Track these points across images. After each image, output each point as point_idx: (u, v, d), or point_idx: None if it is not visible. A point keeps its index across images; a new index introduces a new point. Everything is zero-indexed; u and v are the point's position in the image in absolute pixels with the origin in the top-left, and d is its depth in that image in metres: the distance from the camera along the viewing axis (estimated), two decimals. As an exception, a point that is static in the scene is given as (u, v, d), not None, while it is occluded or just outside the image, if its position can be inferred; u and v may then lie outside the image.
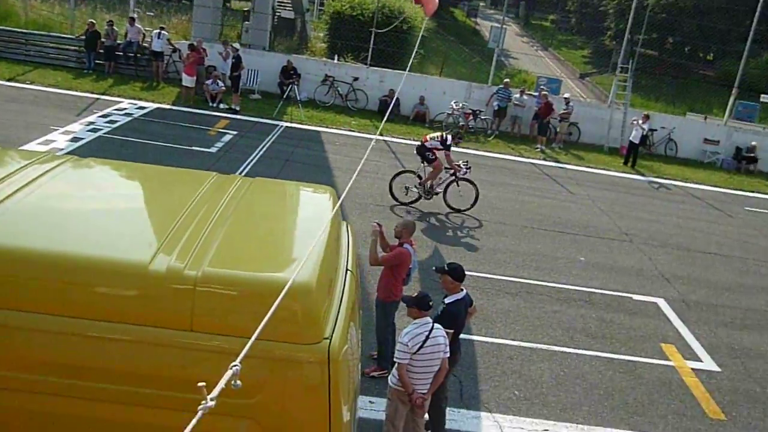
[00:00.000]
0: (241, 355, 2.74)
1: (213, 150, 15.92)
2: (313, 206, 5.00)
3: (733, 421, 8.45)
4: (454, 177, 14.04)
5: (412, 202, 14.01)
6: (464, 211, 14.18)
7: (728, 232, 16.25)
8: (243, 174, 13.04)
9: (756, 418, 8.60)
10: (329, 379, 3.71)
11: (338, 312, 4.05)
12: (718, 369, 9.60)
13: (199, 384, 2.51)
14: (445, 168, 13.82)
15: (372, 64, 23.01)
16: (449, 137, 13.67)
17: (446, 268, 6.84)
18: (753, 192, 20.31)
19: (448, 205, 14.18)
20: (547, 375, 8.75)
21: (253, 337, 2.97)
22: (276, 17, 27.65)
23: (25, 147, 13.96)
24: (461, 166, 13.87)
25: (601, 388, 8.68)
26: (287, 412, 3.78)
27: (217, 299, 3.69)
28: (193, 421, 2.36)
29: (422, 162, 13.80)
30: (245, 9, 31.16)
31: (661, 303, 11.44)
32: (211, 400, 2.42)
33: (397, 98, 21.77)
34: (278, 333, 3.68)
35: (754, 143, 23.24)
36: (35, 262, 3.74)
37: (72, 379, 3.73)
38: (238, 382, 2.61)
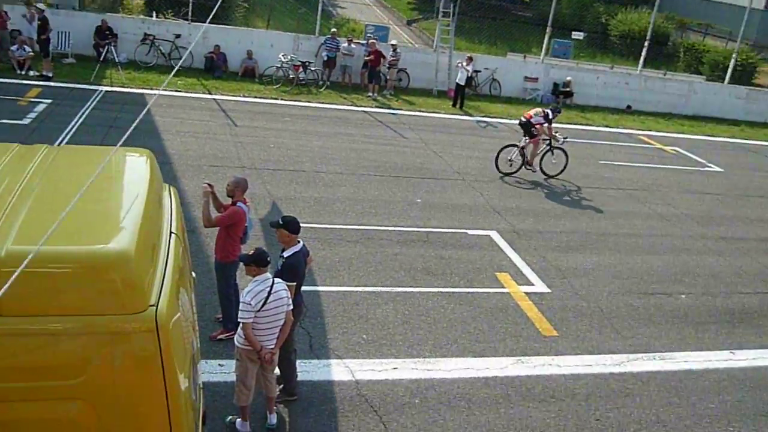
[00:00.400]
0: (8, 283, 2.57)
1: (26, 122, 14.67)
2: (129, 171, 4.75)
3: (564, 336, 9.17)
4: (549, 146, 15.80)
5: (514, 172, 15.57)
6: (556, 176, 15.91)
7: (550, 163, 17.40)
8: (63, 145, 12.15)
9: (584, 330, 9.39)
10: (160, 347, 3.58)
11: (164, 278, 3.90)
12: (548, 290, 10.35)
13: None
14: (542, 139, 15.61)
15: (194, 19, 22.02)
16: (550, 112, 15.37)
17: (281, 222, 6.80)
18: (570, 124, 21.71)
19: (543, 172, 15.93)
20: (392, 316, 9.03)
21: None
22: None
23: None
24: (558, 137, 15.60)
25: (443, 321, 9.09)
26: (119, 387, 3.62)
27: (27, 279, 3.42)
28: None
29: (524, 135, 15.50)
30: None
31: (494, 235, 12.09)
32: None
33: (224, 54, 21.10)
34: (101, 306, 3.52)
35: (569, 78, 24.76)
36: None
37: None
38: None
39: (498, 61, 25.27)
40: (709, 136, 23.48)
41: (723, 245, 13.24)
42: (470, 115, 21.36)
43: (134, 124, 3.75)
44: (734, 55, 27.23)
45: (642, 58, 26.10)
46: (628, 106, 25.24)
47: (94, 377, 3.58)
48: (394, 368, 8.00)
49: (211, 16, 4.13)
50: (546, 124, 15.35)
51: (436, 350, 8.45)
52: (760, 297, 11.19)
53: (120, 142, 3.70)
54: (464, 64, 21.41)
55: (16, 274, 2.61)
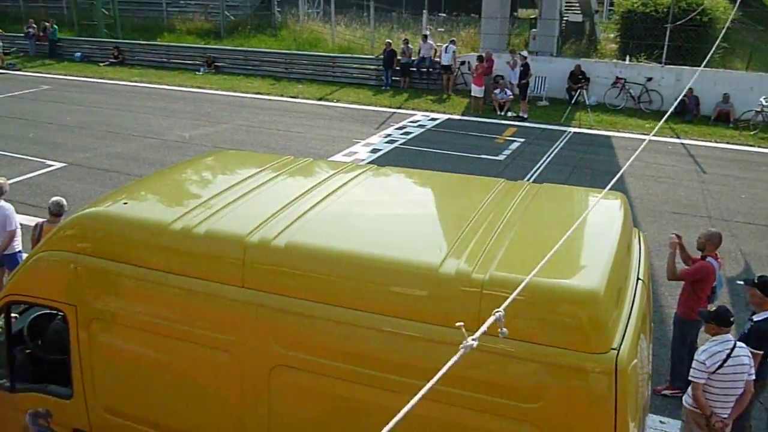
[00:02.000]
0: (506, 303, 2.76)
1: (501, 158, 16.18)
2: (603, 213, 4.85)
3: None
4: None
5: None
6: None
7: None
8: (530, 181, 13.07)
9: None
10: (616, 391, 3.57)
11: (627, 322, 3.89)
12: None
13: (457, 324, 2.59)
14: None
15: (667, 62, 21.58)
16: None
17: (756, 280, 6.19)
18: None
19: None
20: None
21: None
22: (563, 22, 27.26)
23: (332, 158, 15.48)
24: None
25: None
26: (569, 421, 3.71)
27: (502, 302, 3.75)
28: (454, 358, 2.43)
29: None
30: (532, 17, 31.20)
31: None
32: (473, 340, 2.47)
33: (696, 97, 20.14)
34: (563, 340, 3.65)
35: None
36: (336, 259, 4.16)
37: (357, 366, 4.06)
38: (504, 329, 2.62)
39: None
40: None
41: None
42: None
43: (622, 170, 3.87)
44: None
45: None
46: None
47: (547, 406, 3.72)
48: None
49: (706, 60, 4.00)
50: None
51: None
52: None
53: (609, 186, 3.83)
54: None
55: (509, 300, 2.87)
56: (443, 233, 4.48)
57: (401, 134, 18.38)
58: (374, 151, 16.85)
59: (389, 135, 18.31)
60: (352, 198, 5.07)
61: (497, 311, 2.63)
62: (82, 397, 5.10)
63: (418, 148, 17.00)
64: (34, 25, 32.19)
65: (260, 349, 4.30)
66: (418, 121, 19.92)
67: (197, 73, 27.55)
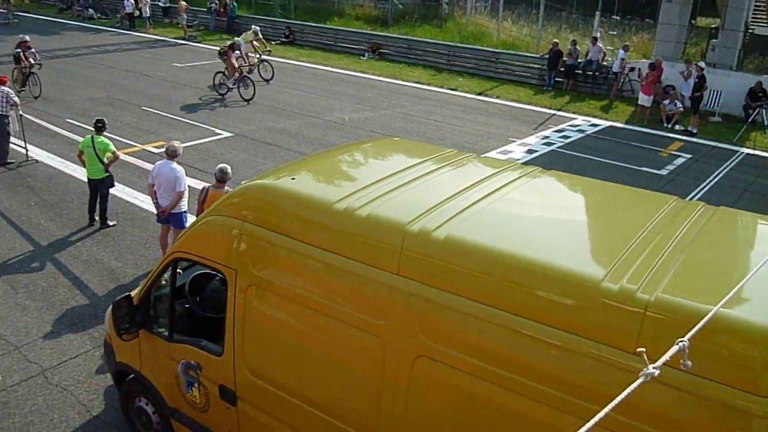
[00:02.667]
0: (690, 333, 2.59)
1: (663, 172, 15.37)
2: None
3: None
4: None
5: None
6: None
7: None
8: (694, 200, 12.31)
9: None
10: (781, 438, 3.28)
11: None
12: None
13: (639, 349, 2.46)
14: None
15: None
16: None
17: None
18: None
19: None
20: None
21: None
22: (748, 34, 25.37)
23: (487, 155, 15.35)
24: None
25: None
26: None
27: (667, 327, 3.54)
28: (634, 385, 2.31)
29: None
30: (713, 26, 29.31)
31: None
32: (654, 368, 2.33)
33: None
34: (726, 375, 3.40)
35: None
36: (494, 259, 4.08)
37: (499, 369, 3.98)
38: (688, 362, 2.46)
39: None
40: None
41: None
42: None
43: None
44: None
45: None
46: None
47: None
48: None
49: None
50: None
51: None
52: None
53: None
54: None
55: (694, 330, 2.70)
56: (608, 246, 4.28)
57: (559, 137, 17.90)
58: (530, 151, 16.54)
59: (547, 137, 17.89)
60: (515, 198, 4.97)
61: (681, 341, 2.47)
62: (231, 355, 5.36)
63: (576, 153, 16.48)
64: (216, 1, 34.20)
65: (407, 337, 4.32)
66: (579, 125, 19.31)
67: (362, 58, 28.23)
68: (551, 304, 3.85)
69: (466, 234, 4.29)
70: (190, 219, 9.92)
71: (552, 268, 3.92)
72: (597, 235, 4.69)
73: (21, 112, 14.33)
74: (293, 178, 5.25)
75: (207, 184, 9.40)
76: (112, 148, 10.98)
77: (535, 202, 5.07)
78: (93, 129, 11.12)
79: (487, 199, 4.83)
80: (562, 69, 23.26)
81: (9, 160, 14.11)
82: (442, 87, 23.66)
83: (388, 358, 4.42)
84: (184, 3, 32.96)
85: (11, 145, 14.37)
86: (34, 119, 17.00)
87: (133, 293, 6.28)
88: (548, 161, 15.43)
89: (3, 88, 13.90)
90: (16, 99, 14.18)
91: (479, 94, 22.69)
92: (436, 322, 4.22)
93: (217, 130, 17.16)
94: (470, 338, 4.12)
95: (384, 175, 5.17)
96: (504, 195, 4.96)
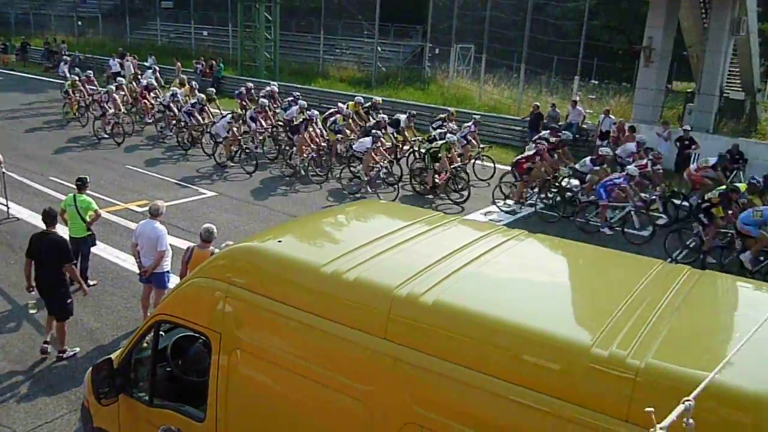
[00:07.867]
0: (695, 392, 2.58)
1: (644, 233, 15.47)
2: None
3: None
4: None
5: None
6: None
7: None
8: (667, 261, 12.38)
9: None
10: None
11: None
12: None
13: (647, 409, 2.48)
14: None
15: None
16: None
17: None
18: None
19: None
20: None
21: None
22: (722, 98, 26.00)
23: (470, 216, 15.42)
24: None
25: None
26: None
27: (658, 393, 3.52)
28: None
29: None
30: (688, 90, 30.06)
31: None
32: (661, 429, 2.30)
33: None
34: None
35: None
36: (483, 325, 4.06)
37: None
38: (691, 420, 2.43)
39: None
40: None
41: None
42: None
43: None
44: None
45: None
46: None
47: None
48: None
49: None
50: None
51: None
52: None
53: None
54: None
55: (697, 391, 2.70)
56: (596, 311, 4.27)
57: (544, 198, 18.01)
58: (512, 212, 16.66)
59: (528, 199, 18.01)
60: (502, 262, 4.98)
61: (687, 400, 2.46)
62: (213, 422, 5.23)
63: (558, 214, 16.60)
64: (203, 62, 34.65)
65: (394, 403, 4.25)
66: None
67: (345, 119, 28.51)
68: (541, 371, 3.82)
69: (454, 298, 4.28)
70: (173, 279, 9.81)
71: (542, 334, 3.90)
72: (585, 300, 4.69)
73: (4, 170, 14.26)
74: (280, 241, 5.24)
75: (192, 244, 9.34)
76: (95, 206, 10.92)
77: (522, 266, 5.08)
78: (75, 187, 11.08)
79: (474, 263, 4.84)
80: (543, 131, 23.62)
81: (-10, 219, 13.97)
82: (424, 148, 23.87)
83: (376, 424, 4.34)
84: (179, 63, 33.33)
85: (-7, 203, 14.25)
86: (17, 177, 16.93)
87: (113, 356, 6.16)
88: (530, 224, 15.51)
89: (-14, 146, 13.86)
90: (0, 157, 14.13)
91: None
92: (424, 388, 4.17)
93: (201, 190, 17.17)
94: (458, 404, 4.06)
95: (370, 239, 5.17)
96: (491, 259, 4.97)
